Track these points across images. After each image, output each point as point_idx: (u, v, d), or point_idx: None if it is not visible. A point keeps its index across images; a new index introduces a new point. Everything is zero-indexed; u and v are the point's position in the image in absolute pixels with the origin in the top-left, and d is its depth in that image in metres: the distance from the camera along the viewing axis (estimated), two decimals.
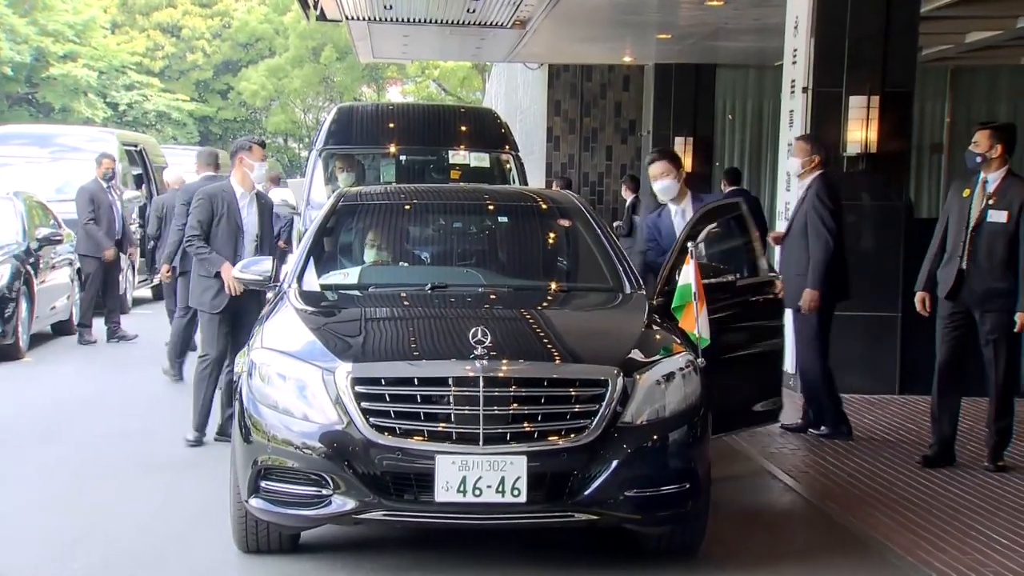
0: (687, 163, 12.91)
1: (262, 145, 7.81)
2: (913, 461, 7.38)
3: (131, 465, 7.08)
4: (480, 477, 4.70)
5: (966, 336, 7.09)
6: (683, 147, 15.70)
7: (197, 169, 10.54)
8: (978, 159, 6.94)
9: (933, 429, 7.33)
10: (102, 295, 12.39)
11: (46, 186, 14.53)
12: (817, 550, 5.66)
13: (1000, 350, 6.94)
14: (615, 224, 14.79)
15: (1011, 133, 7.11)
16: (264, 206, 7.78)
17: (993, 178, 6.93)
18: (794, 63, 10.03)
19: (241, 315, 7.40)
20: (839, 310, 8.24)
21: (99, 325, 12.23)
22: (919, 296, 7.28)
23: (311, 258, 6.17)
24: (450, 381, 4.81)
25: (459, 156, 11.28)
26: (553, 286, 6.26)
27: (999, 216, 6.84)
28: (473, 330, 5.05)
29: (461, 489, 4.71)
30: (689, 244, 5.96)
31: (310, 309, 5.68)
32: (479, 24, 14.55)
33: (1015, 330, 6.85)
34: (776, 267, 8.13)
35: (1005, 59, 16.04)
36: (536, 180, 17.04)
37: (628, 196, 15.42)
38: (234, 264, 7.21)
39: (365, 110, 13.36)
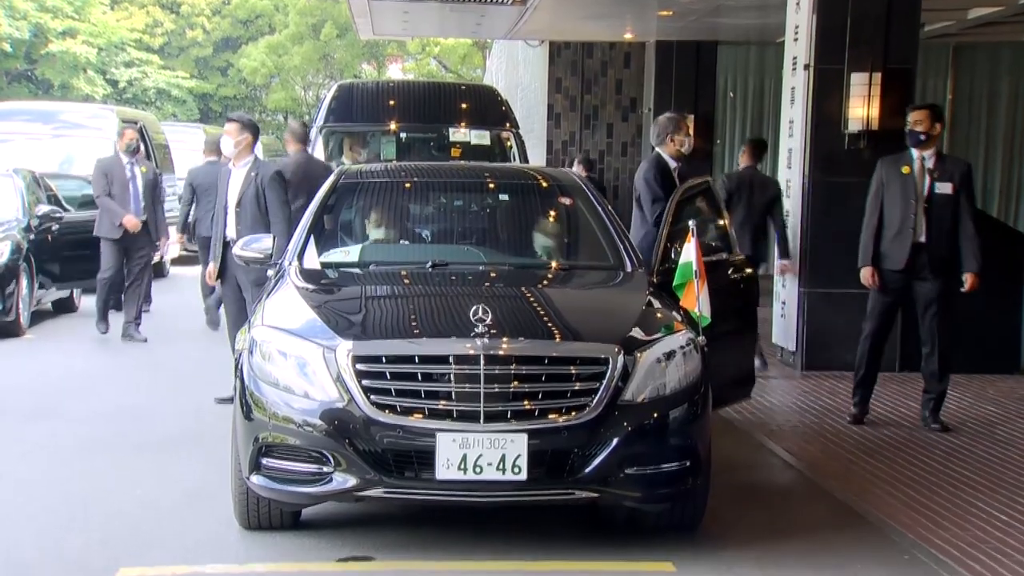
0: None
1: (232, 121, 8.29)
2: (916, 438, 7.42)
3: (130, 442, 7.10)
4: (481, 455, 4.71)
5: (898, 308, 7.78)
6: None
7: (204, 153, 10.99)
8: (922, 137, 7.46)
9: (857, 392, 7.85)
10: (128, 284, 11.05)
11: (49, 162, 14.52)
12: (817, 527, 5.67)
13: (948, 314, 7.57)
14: None
15: (943, 113, 7.72)
16: (250, 177, 8.10)
17: (929, 155, 7.51)
18: (796, 40, 9.99)
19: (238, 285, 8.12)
20: (841, 288, 8.30)
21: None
22: (869, 270, 7.66)
23: (312, 236, 6.17)
24: (451, 359, 4.81)
25: (459, 133, 11.27)
26: (554, 264, 6.25)
27: (945, 188, 7.45)
28: (474, 308, 5.05)
29: (462, 466, 4.71)
30: (691, 222, 5.97)
31: (311, 287, 5.68)
32: (479, 1, 14.48)
33: (964, 289, 7.47)
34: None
35: (1007, 35, 15.96)
36: (537, 157, 16.99)
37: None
38: (219, 231, 8.20)
39: (365, 87, 13.34)
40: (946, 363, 7.70)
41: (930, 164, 7.49)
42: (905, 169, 7.52)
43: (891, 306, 7.72)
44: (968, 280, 7.45)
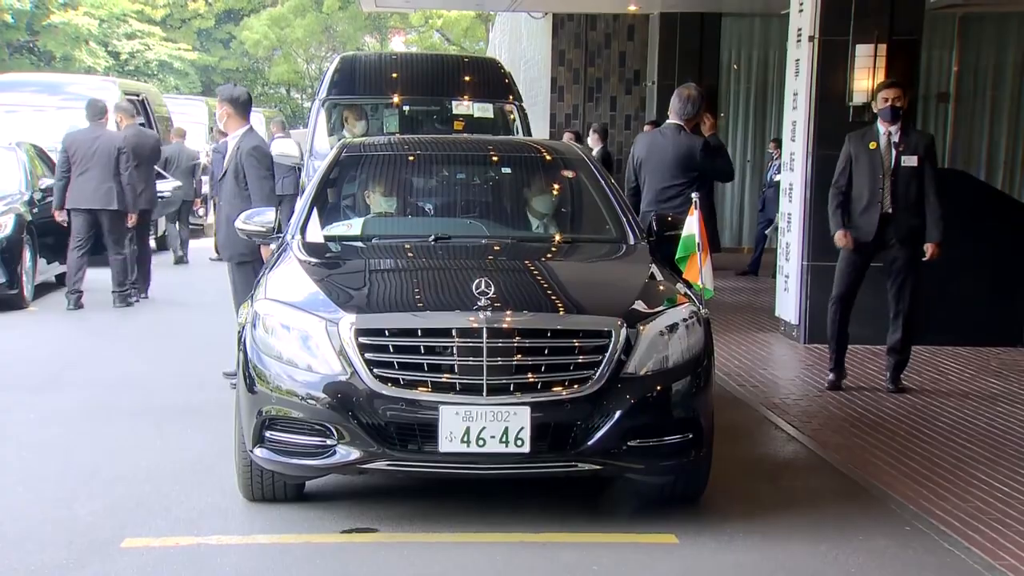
0: None
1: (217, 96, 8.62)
2: (918, 411, 7.43)
3: (134, 412, 7.13)
4: (484, 427, 4.72)
5: (863, 276, 7.97)
6: None
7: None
8: (901, 111, 7.77)
9: (834, 358, 8.09)
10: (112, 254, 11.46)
11: (53, 134, 14.51)
12: (819, 499, 5.68)
13: (912, 282, 7.84)
14: None
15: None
16: (237, 151, 7.95)
17: (895, 130, 7.78)
18: (800, 11, 9.94)
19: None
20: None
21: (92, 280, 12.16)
22: (843, 233, 7.91)
23: (314, 209, 6.17)
24: (454, 332, 4.81)
25: (462, 106, 11.23)
26: (557, 237, 6.24)
27: (911, 161, 7.74)
28: (477, 281, 5.05)
29: (465, 439, 4.72)
30: (694, 195, 5.96)
31: (313, 260, 5.68)
32: None
33: (925, 258, 7.75)
34: None
35: (1013, 6, 15.87)
36: (540, 130, 16.94)
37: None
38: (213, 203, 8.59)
39: (368, 60, 13.26)
40: (909, 332, 7.98)
41: (896, 138, 7.75)
42: (872, 145, 7.77)
43: (857, 273, 7.93)
44: (929, 250, 7.72)
